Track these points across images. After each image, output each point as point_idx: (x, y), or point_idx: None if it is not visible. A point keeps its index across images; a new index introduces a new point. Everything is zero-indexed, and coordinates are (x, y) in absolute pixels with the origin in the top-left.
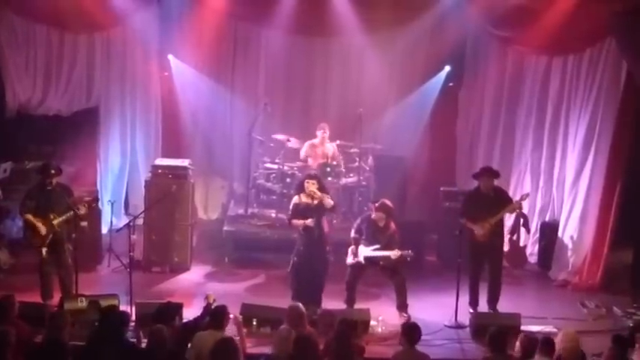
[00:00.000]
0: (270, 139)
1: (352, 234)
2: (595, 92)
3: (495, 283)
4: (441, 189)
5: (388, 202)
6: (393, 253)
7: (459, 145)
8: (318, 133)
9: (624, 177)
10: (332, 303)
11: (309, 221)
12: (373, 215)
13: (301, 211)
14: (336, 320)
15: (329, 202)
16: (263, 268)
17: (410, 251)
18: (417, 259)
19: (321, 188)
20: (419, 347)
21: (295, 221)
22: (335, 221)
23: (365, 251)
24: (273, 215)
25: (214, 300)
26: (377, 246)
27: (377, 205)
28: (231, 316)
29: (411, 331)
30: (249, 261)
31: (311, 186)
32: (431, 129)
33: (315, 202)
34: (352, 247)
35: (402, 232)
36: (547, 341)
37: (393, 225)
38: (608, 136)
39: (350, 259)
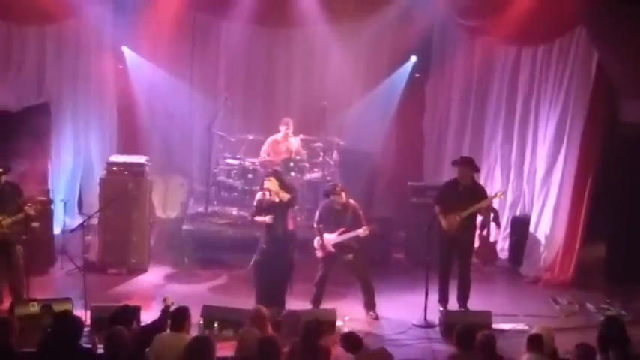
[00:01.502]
0: (232, 134)
1: (315, 225)
2: (565, 83)
3: (465, 280)
4: (409, 184)
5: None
6: (361, 231)
7: (426, 138)
8: (282, 128)
9: (596, 170)
10: (297, 303)
11: (268, 218)
12: (331, 198)
13: (265, 208)
14: (301, 321)
15: (284, 195)
16: (225, 268)
17: (376, 225)
18: (384, 257)
19: (283, 186)
20: (388, 347)
21: (258, 218)
22: (299, 218)
23: (332, 238)
24: (235, 213)
25: (172, 303)
26: (342, 229)
27: (326, 190)
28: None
29: (348, 341)
30: (211, 261)
31: (268, 183)
32: (398, 122)
33: (277, 199)
34: (317, 238)
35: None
36: (535, 338)
37: (352, 203)
38: (579, 128)
39: (319, 253)
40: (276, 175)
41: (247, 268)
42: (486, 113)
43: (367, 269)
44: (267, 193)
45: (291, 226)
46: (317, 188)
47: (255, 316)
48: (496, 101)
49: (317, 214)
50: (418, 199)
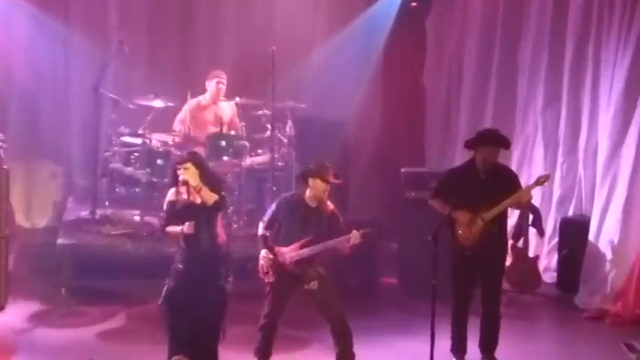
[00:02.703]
0: (131, 99)
1: (260, 231)
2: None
3: (491, 317)
4: (403, 171)
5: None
6: (352, 236)
7: (428, 103)
8: (209, 86)
9: None
10: (233, 356)
11: (186, 227)
12: (308, 194)
13: (180, 213)
14: None
15: (208, 196)
16: (122, 302)
17: (371, 230)
18: (367, 283)
19: (207, 177)
20: None
21: (171, 228)
22: (235, 226)
23: (292, 253)
24: (137, 219)
25: None
26: (308, 239)
27: (309, 171)
28: None
29: None
30: (100, 292)
31: (184, 174)
32: (384, 77)
33: (199, 198)
34: (264, 252)
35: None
36: None
37: (330, 204)
38: None
39: (268, 277)
40: (195, 160)
41: (157, 302)
42: (519, 63)
43: (339, 303)
44: (182, 189)
45: (221, 238)
46: (262, 179)
47: None
48: (534, 46)
49: (269, 212)
50: (417, 193)
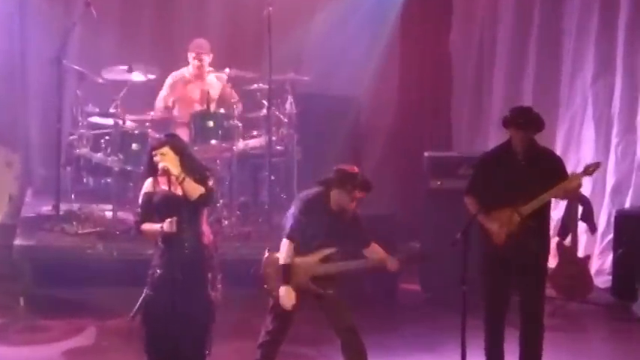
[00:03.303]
0: (99, 71)
1: (284, 258)
2: None
3: (533, 329)
4: (426, 155)
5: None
6: (388, 262)
7: (456, 74)
8: (192, 57)
9: None
10: None
11: (167, 224)
12: (331, 198)
13: (158, 207)
14: None
15: (192, 188)
16: (91, 314)
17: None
18: (385, 290)
19: (185, 162)
20: None
21: (148, 226)
22: (226, 222)
23: (316, 265)
24: (109, 214)
25: None
26: (332, 250)
27: (333, 178)
28: None
29: None
30: (66, 303)
31: (162, 160)
32: (402, 43)
33: (180, 189)
34: (284, 291)
35: None
36: None
37: (356, 213)
38: None
39: (283, 293)
40: (173, 143)
41: (131, 314)
42: (564, 27)
43: (350, 313)
44: (162, 179)
45: (208, 238)
46: (257, 167)
47: None
48: (582, 5)
49: (292, 221)
50: (443, 182)
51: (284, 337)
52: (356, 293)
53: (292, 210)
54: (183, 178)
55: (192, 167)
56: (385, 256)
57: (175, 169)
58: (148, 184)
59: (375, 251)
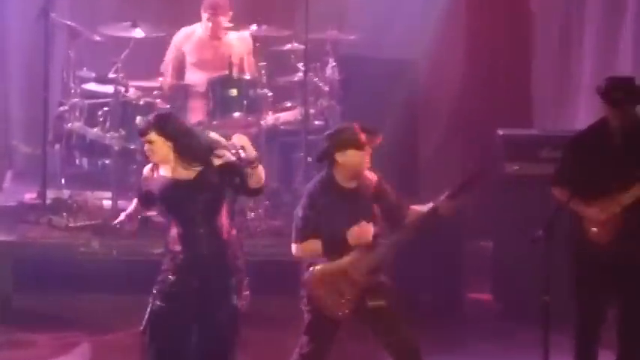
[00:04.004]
0: (95, 27)
1: (294, 236)
2: None
3: (636, 350)
4: (500, 133)
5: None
6: (440, 206)
7: (538, 36)
8: (206, 18)
9: None
10: None
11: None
12: (340, 175)
13: (163, 197)
14: None
15: (262, 176)
16: (84, 327)
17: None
18: (447, 298)
19: (179, 146)
20: None
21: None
22: (252, 214)
23: (364, 257)
24: (107, 204)
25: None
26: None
27: (334, 140)
28: None
29: None
30: (54, 313)
31: (148, 150)
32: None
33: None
34: (313, 270)
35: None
36: None
37: (368, 173)
38: None
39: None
40: (159, 126)
41: (141, 327)
42: None
43: (407, 327)
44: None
45: (229, 233)
46: (292, 145)
47: None
48: None
49: (303, 204)
50: (522, 165)
51: (325, 356)
52: (414, 304)
53: (296, 210)
54: (173, 162)
55: (195, 154)
56: (430, 205)
57: (159, 158)
58: (148, 169)
59: (416, 212)
